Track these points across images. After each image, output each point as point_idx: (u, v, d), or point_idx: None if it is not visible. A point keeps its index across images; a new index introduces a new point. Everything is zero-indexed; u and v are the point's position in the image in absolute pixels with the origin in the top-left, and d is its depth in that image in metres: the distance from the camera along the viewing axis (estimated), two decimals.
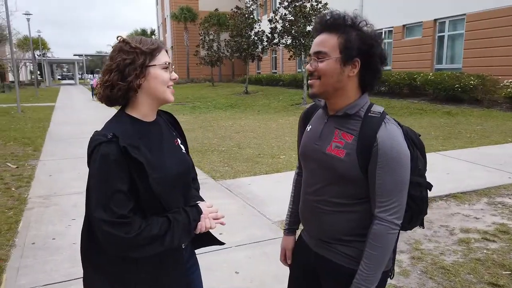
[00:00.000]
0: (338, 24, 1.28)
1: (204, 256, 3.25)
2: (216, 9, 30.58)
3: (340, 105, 1.35)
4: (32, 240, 3.69)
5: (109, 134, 1.22)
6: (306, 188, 1.48)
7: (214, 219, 1.41)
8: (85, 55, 65.99)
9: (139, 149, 1.24)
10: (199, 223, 1.36)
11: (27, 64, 51.57)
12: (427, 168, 1.45)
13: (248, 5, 21.46)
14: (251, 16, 21.39)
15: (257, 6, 22.93)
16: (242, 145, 8.20)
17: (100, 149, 1.20)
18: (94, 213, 1.19)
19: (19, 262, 3.26)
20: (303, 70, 18.43)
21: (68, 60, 67.34)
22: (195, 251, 1.59)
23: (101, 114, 13.72)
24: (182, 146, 1.48)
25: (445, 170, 5.75)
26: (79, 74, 69.05)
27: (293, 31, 16.47)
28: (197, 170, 6.07)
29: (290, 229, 1.72)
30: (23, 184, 5.54)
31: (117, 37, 1.32)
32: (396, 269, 3.11)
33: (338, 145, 1.32)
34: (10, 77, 42.62)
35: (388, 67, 17.56)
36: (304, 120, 1.58)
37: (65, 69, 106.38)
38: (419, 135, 1.45)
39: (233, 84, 31.25)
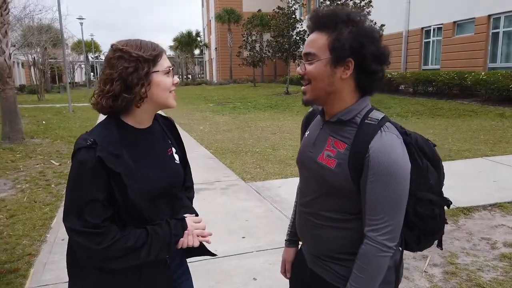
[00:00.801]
0: (330, 21, 1.15)
1: (224, 260, 3.23)
2: (259, 10, 30.60)
3: (337, 110, 1.22)
4: (62, 236, 3.83)
5: (89, 140, 1.16)
6: (300, 199, 1.37)
7: (200, 235, 1.33)
8: None
9: (119, 158, 1.18)
10: (181, 239, 1.28)
11: (82, 66, 54.57)
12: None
13: (290, 5, 21.25)
14: (293, 16, 21.18)
15: (299, 6, 22.63)
16: (276, 147, 8.10)
17: (79, 155, 1.16)
18: (64, 221, 1.16)
19: (47, 258, 3.38)
20: None
21: None
22: (204, 258, 1.53)
23: None
24: (176, 156, 1.40)
25: (493, 177, 5.32)
26: None
27: None
28: (229, 171, 6.20)
29: (291, 240, 1.62)
30: (62, 181, 5.79)
31: (112, 45, 1.24)
32: (427, 284, 2.89)
33: (329, 154, 1.20)
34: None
35: (436, 66, 16.71)
36: (305, 125, 1.46)
37: None
38: (435, 146, 1.28)
39: (275, 84, 31.12)
